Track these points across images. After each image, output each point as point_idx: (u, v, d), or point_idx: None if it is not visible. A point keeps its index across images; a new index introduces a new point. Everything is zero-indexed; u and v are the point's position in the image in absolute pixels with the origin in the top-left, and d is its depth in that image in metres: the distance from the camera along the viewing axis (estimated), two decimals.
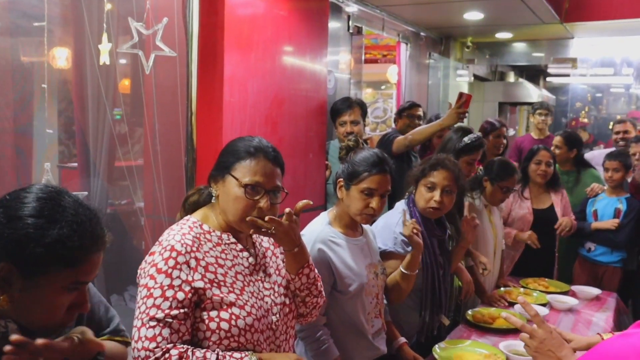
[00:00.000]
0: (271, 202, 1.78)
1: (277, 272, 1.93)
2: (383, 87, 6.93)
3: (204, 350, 1.67)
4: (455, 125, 3.72)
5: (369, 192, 2.29)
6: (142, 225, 3.27)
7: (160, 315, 1.64)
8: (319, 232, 2.33)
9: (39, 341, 1.25)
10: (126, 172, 3.08)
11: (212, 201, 1.84)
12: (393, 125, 4.74)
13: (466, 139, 3.38)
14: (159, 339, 1.63)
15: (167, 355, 1.62)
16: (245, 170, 1.77)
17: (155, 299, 1.65)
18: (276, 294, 1.88)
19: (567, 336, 2.03)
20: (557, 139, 4.71)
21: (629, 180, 4.39)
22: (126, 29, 2.63)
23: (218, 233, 1.81)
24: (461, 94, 3.66)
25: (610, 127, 5.34)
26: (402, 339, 2.61)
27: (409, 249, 2.62)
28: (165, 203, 3.06)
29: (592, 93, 9.75)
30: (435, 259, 2.78)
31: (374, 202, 2.30)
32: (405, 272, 2.54)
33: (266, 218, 1.74)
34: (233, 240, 1.83)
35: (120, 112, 3.15)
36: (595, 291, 3.72)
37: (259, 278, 1.86)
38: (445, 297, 2.90)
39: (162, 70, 2.92)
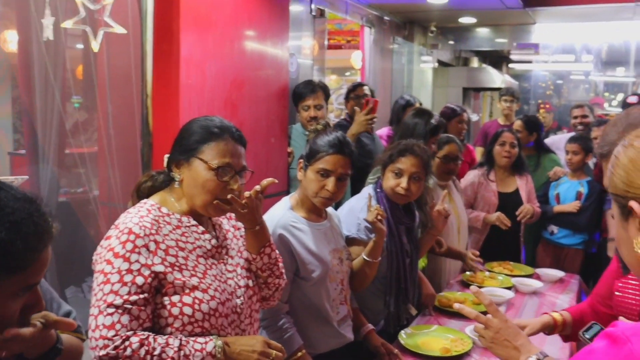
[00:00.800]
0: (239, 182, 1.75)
1: (239, 254, 1.88)
2: (347, 73, 6.87)
3: (166, 336, 1.61)
4: (415, 110, 3.69)
5: (325, 173, 2.22)
6: (96, 213, 3.15)
7: (118, 301, 1.56)
8: (280, 217, 2.25)
9: (11, 331, 1.15)
10: (78, 159, 2.95)
11: (176, 186, 1.76)
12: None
13: (433, 121, 3.34)
14: (117, 326, 1.55)
15: (126, 343, 1.55)
16: (213, 153, 1.71)
17: (112, 284, 1.57)
18: (239, 277, 1.83)
19: (521, 323, 2.00)
20: (517, 124, 4.77)
21: (591, 164, 4.44)
22: (73, 3, 2.49)
23: (177, 216, 1.75)
24: (367, 100, 3.60)
25: (571, 116, 5.37)
26: (370, 326, 2.55)
27: (373, 235, 2.56)
28: (120, 189, 2.94)
29: (554, 80, 9.88)
30: (401, 247, 2.72)
31: (329, 184, 2.22)
32: (367, 259, 2.48)
33: (229, 196, 1.70)
34: (194, 222, 1.77)
35: (71, 95, 3.01)
36: (559, 273, 3.75)
37: (222, 261, 1.82)
38: (412, 286, 2.85)
39: (114, 51, 2.80)
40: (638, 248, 0.98)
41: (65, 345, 1.42)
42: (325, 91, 3.86)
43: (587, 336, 1.69)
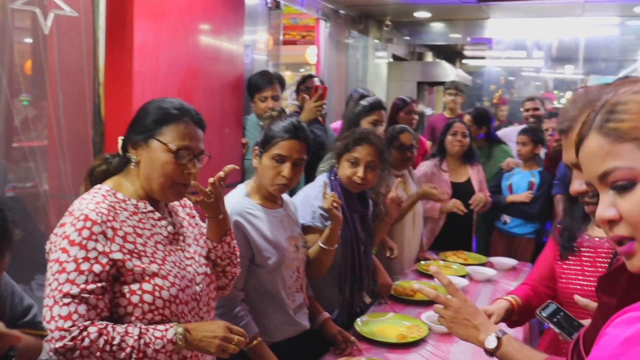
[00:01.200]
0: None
1: (195, 242, 1.86)
2: (302, 69, 6.85)
3: (126, 325, 1.57)
4: (352, 93, 3.81)
5: (280, 159, 2.21)
6: (47, 208, 3.06)
7: (75, 290, 1.52)
8: (236, 204, 2.23)
9: None
10: (28, 152, 2.86)
11: (132, 167, 1.71)
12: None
13: (363, 102, 3.37)
14: (74, 316, 1.51)
15: (84, 333, 1.51)
16: (173, 134, 1.68)
17: (68, 273, 1.52)
18: (197, 264, 1.81)
19: (488, 311, 2.02)
20: (466, 118, 4.85)
21: (542, 154, 4.55)
22: None
23: (134, 201, 1.70)
24: (316, 87, 3.61)
25: (522, 109, 5.49)
26: (326, 314, 2.55)
27: (328, 223, 2.57)
28: (71, 180, 2.87)
29: (505, 76, 10.08)
30: (355, 234, 2.73)
31: (285, 170, 2.21)
32: (324, 246, 2.48)
33: (192, 183, 1.68)
34: (150, 208, 1.73)
35: (19, 82, 2.91)
36: (511, 262, 3.83)
37: (179, 247, 1.79)
38: (367, 274, 2.86)
39: (65, 36, 2.72)
40: None
41: (22, 347, 1.38)
42: (281, 82, 3.85)
43: (544, 314, 1.72)
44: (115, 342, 1.53)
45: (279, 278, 2.27)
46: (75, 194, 2.77)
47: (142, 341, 1.56)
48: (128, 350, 1.54)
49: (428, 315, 2.78)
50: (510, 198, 4.44)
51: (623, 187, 0.89)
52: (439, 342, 2.57)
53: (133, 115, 1.75)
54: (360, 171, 2.65)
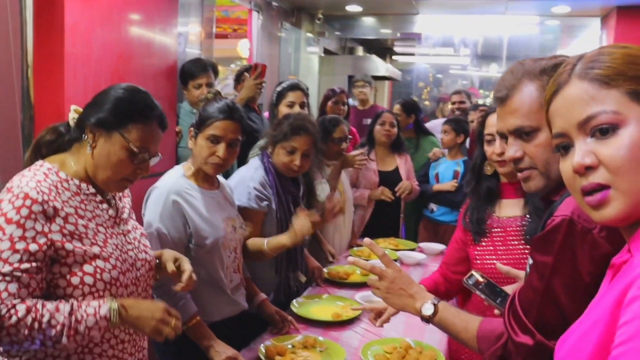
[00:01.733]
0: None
1: (134, 229, 1.85)
2: (233, 65, 6.82)
3: (57, 302, 1.54)
4: None
5: (215, 139, 2.24)
6: None
7: (6, 269, 1.48)
8: (173, 183, 2.24)
9: None
10: None
11: (87, 151, 1.66)
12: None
13: (278, 88, 3.43)
14: (4, 295, 1.47)
15: (12, 311, 1.47)
16: (138, 134, 1.65)
17: (2, 252, 1.48)
18: (137, 250, 1.81)
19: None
20: (395, 107, 4.99)
21: (467, 145, 4.74)
22: None
23: (76, 182, 1.66)
24: (256, 65, 3.67)
25: (449, 105, 5.68)
26: (263, 295, 2.59)
27: (263, 204, 2.62)
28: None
29: (434, 73, 10.34)
30: (290, 215, 2.78)
31: (220, 150, 2.24)
32: (267, 250, 2.54)
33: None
34: (92, 190, 1.70)
35: None
36: (440, 247, 3.98)
37: (121, 232, 1.77)
38: (301, 255, 2.92)
39: None
40: None
41: None
42: (214, 70, 3.85)
43: (470, 282, 1.82)
44: (45, 319, 1.50)
45: (217, 258, 2.29)
46: (2, 180, 2.71)
47: (73, 318, 1.53)
48: (58, 327, 1.51)
49: (361, 295, 2.86)
50: (436, 187, 4.59)
51: (605, 131, 0.91)
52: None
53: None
54: (297, 159, 2.70)
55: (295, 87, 3.45)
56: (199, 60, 3.84)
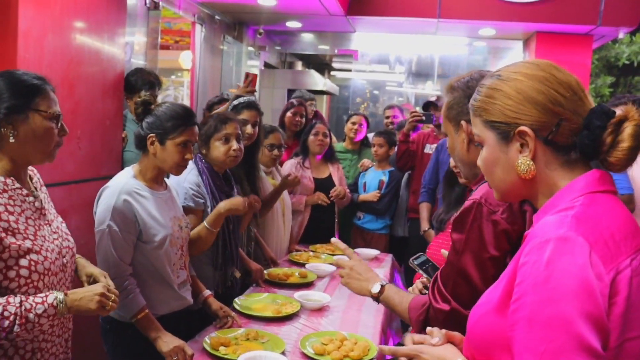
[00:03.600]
0: None
1: (55, 217, 1.96)
2: (173, 76, 6.88)
3: (6, 296, 1.64)
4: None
5: (185, 144, 2.41)
6: None
7: None
8: (124, 184, 2.36)
9: None
10: None
11: (11, 140, 1.72)
12: None
13: (235, 102, 3.60)
14: None
15: None
16: (47, 103, 1.78)
17: None
18: (61, 238, 1.91)
19: None
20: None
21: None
22: None
23: (2, 178, 1.75)
24: (247, 74, 3.85)
25: (384, 121, 5.95)
26: (207, 292, 2.73)
27: (200, 202, 2.80)
28: None
29: (371, 89, 10.65)
30: None
31: (189, 154, 2.43)
32: (209, 227, 2.68)
33: None
34: (18, 185, 1.79)
35: None
36: (374, 252, 4.20)
37: (46, 222, 1.87)
38: (236, 250, 3.08)
39: None
40: (522, 167, 1.15)
41: None
42: (159, 84, 3.93)
43: (416, 262, 2.14)
44: None
45: (164, 255, 2.42)
46: None
47: (23, 307, 1.62)
48: (11, 318, 1.60)
49: (300, 294, 3.04)
50: (361, 197, 4.89)
51: (480, 145, 1.24)
52: (310, 316, 2.83)
53: None
54: (234, 144, 2.90)
55: (251, 105, 3.58)
56: (146, 72, 3.90)
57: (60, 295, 1.70)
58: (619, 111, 1.10)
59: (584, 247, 0.99)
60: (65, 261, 1.88)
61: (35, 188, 1.90)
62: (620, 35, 6.20)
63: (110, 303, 1.78)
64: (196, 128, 2.47)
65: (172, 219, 2.49)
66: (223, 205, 2.72)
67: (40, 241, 1.77)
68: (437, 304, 1.61)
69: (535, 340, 0.97)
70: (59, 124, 1.82)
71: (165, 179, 2.61)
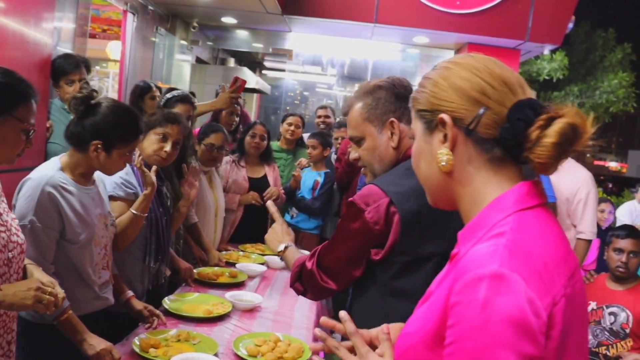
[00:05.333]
0: None
1: (6, 212, 1.85)
2: (98, 67, 6.63)
3: None
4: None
5: (131, 152, 2.36)
6: None
7: None
8: (50, 176, 2.20)
9: None
10: None
11: None
12: None
13: (168, 95, 3.51)
14: None
15: None
16: (28, 113, 1.75)
17: None
18: (9, 232, 1.81)
19: None
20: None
21: (333, 158, 5.02)
22: None
23: None
24: (236, 79, 3.74)
25: (315, 121, 5.93)
26: (130, 293, 2.60)
27: (130, 191, 2.67)
28: None
29: (302, 90, 10.65)
30: (157, 206, 2.84)
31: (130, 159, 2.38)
32: (136, 212, 2.56)
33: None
34: None
35: None
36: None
37: None
38: (167, 246, 2.98)
39: None
40: (441, 157, 1.09)
41: None
42: (87, 65, 3.78)
43: None
44: None
45: (87, 254, 2.29)
46: None
47: None
48: None
49: (232, 294, 2.97)
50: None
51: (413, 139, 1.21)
52: (242, 317, 2.78)
53: None
54: (168, 147, 2.79)
55: (185, 99, 3.50)
56: (71, 55, 3.75)
57: None
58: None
59: (519, 284, 0.91)
60: (10, 256, 1.78)
61: None
62: (546, 52, 6.48)
63: (47, 297, 1.70)
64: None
65: (98, 216, 2.36)
66: (148, 190, 2.59)
67: None
68: (308, 262, 1.93)
69: None
70: (30, 137, 1.78)
71: (97, 173, 2.47)
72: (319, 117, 5.79)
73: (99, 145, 2.25)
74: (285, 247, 2.17)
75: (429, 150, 1.13)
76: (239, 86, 3.71)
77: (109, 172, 2.34)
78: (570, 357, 0.98)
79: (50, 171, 2.24)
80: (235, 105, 3.99)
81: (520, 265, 0.94)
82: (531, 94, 1.08)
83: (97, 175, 2.51)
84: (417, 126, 1.16)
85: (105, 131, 2.26)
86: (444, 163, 1.09)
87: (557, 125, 0.98)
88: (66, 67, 3.60)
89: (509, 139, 1.03)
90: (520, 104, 1.03)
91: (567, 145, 0.99)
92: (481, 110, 1.05)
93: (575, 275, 1.02)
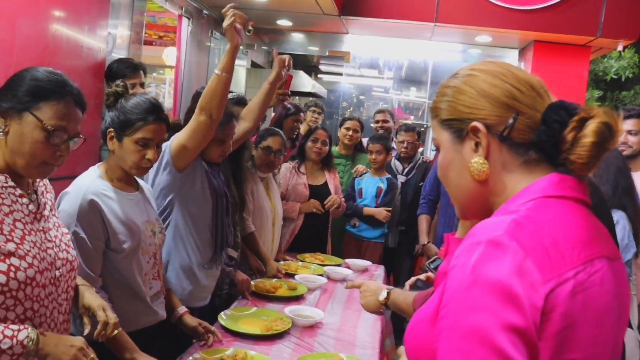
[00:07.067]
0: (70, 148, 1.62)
1: (56, 227, 1.73)
2: (155, 73, 6.61)
3: None
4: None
5: (145, 143, 2.12)
6: None
7: None
8: (90, 184, 2.09)
9: None
10: None
11: (1, 137, 1.56)
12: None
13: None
14: None
15: None
16: (52, 112, 1.56)
17: None
18: (58, 248, 1.69)
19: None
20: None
21: (399, 164, 4.82)
22: None
23: None
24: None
25: (372, 125, 5.73)
26: (183, 308, 2.45)
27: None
28: None
29: (358, 94, 10.47)
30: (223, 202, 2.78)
31: (150, 153, 2.13)
32: (219, 72, 2.41)
33: None
34: (11, 184, 1.59)
35: None
36: (365, 263, 4.00)
37: (40, 228, 1.65)
38: (230, 230, 2.90)
39: None
40: (475, 166, 1.07)
41: None
42: (144, 70, 3.69)
43: (432, 266, 2.13)
44: None
45: (135, 264, 2.16)
46: None
47: None
48: None
49: (291, 309, 2.80)
50: (368, 211, 4.61)
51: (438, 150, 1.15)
52: (303, 334, 2.60)
53: None
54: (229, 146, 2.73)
55: (240, 101, 3.40)
56: (128, 60, 3.67)
57: (34, 334, 1.48)
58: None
59: (517, 253, 0.91)
60: (58, 274, 1.65)
61: (35, 191, 1.68)
62: (619, 48, 6.07)
63: None
64: (162, 125, 2.17)
65: (144, 223, 2.22)
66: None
67: (28, 246, 1.55)
68: None
69: (454, 353, 0.91)
70: (61, 144, 1.58)
71: (137, 179, 2.35)
72: (377, 121, 5.56)
73: (112, 134, 2.14)
74: (388, 293, 2.14)
75: (459, 159, 1.11)
76: (285, 82, 3.46)
77: (126, 164, 2.15)
78: (579, 354, 0.93)
79: (89, 179, 2.14)
80: (285, 104, 3.77)
81: (525, 236, 0.94)
82: (553, 97, 1.09)
83: (142, 181, 2.39)
84: (443, 136, 1.14)
85: (117, 117, 2.15)
86: (478, 172, 1.08)
87: (593, 125, 0.99)
88: (124, 71, 3.50)
89: (547, 141, 1.03)
90: (555, 106, 1.04)
91: (605, 144, 1.00)
92: (514, 116, 1.05)
93: (596, 265, 0.97)
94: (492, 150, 1.07)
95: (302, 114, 4.66)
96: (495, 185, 1.08)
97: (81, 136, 1.65)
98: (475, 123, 1.07)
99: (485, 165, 1.07)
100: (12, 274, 1.49)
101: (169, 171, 2.56)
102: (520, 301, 0.89)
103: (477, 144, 1.08)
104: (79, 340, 1.57)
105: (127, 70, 3.47)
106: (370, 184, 4.72)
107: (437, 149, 1.19)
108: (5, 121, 1.56)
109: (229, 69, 2.42)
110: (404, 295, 2.01)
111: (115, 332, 1.92)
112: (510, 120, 1.04)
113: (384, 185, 4.68)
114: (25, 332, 1.47)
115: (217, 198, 2.71)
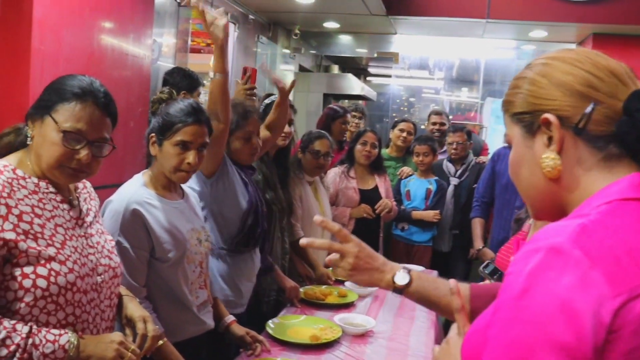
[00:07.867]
0: (94, 154, 1.56)
1: (99, 233, 1.72)
2: (205, 81, 6.63)
3: (14, 321, 1.41)
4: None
5: (184, 146, 2.06)
6: None
7: None
8: (133, 193, 2.06)
9: None
10: None
11: (28, 142, 1.57)
12: None
13: (267, 100, 3.28)
14: None
15: None
16: (67, 114, 1.53)
17: None
18: (100, 254, 1.66)
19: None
20: (409, 125, 4.88)
21: (452, 166, 4.68)
22: None
23: (35, 180, 1.56)
24: (246, 68, 3.45)
25: (423, 126, 5.59)
26: (231, 317, 2.40)
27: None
28: None
29: (408, 96, 10.32)
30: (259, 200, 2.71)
31: (190, 157, 2.07)
32: (212, 76, 2.38)
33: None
34: (52, 189, 1.58)
35: None
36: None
37: (82, 234, 1.64)
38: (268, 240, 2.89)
39: None
40: (547, 162, 0.98)
41: None
42: (197, 78, 3.66)
43: (487, 271, 2.05)
44: (0, 336, 1.37)
45: (180, 273, 2.11)
46: None
47: (30, 341, 1.40)
48: (12, 348, 1.38)
49: (341, 317, 2.71)
50: (417, 215, 4.49)
51: (510, 148, 1.06)
52: (353, 343, 2.51)
53: (30, 97, 1.60)
54: (255, 140, 2.65)
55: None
56: (183, 69, 3.62)
57: (74, 338, 1.47)
58: None
59: (580, 263, 0.81)
60: (99, 280, 1.63)
61: (77, 198, 1.69)
62: None
63: (129, 354, 1.54)
64: (203, 128, 2.11)
65: (190, 231, 2.17)
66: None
67: (69, 252, 1.54)
68: None
69: None
70: (79, 147, 1.54)
71: (183, 186, 2.30)
72: (434, 123, 5.41)
73: (154, 139, 2.11)
74: (410, 273, 1.79)
75: (531, 155, 1.02)
76: (249, 76, 3.36)
77: (166, 169, 2.10)
78: None
79: (133, 188, 2.10)
80: (250, 97, 3.66)
81: (592, 243, 0.83)
82: None
83: (187, 189, 2.34)
84: (515, 131, 1.05)
85: (157, 121, 2.11)
86: (550, 168, 0.98)
87: None
88: (180, 83, 3.44)
89: (629, 133, 0.92)
90: (637, 94, 0.92)
91: None
92: (591, 105, 0.94)
93: None
94: (566, 144, 0.97)
95: (348, 115, 4.57)
96: (570, 184, 0.99)
97: (109, 142, 1.60)
98: (546, 115, 0.97)
99: (557, 160, 0.97)
100: (52, 279, 1.48)
101: (197, 179, 2.51)
102: (578, 317, 0.79)
103: (549, 139, 0.98)
104: (118, 335, 1.57)
105: (189, 83, 3.42)
106: (418, 186, 4.60)
107: (509, 146, 1.07)
108: (33, 126, 1.57)
109: (221, 69, 2.36)
110: (443, 285, 1.45)
111: (160, 342, 1.88)
112: (588, 110, 0.94)
113: (433, 187, 4.56)
114: (67, 337, 1.46)
115: (250, 203, 2.63)
